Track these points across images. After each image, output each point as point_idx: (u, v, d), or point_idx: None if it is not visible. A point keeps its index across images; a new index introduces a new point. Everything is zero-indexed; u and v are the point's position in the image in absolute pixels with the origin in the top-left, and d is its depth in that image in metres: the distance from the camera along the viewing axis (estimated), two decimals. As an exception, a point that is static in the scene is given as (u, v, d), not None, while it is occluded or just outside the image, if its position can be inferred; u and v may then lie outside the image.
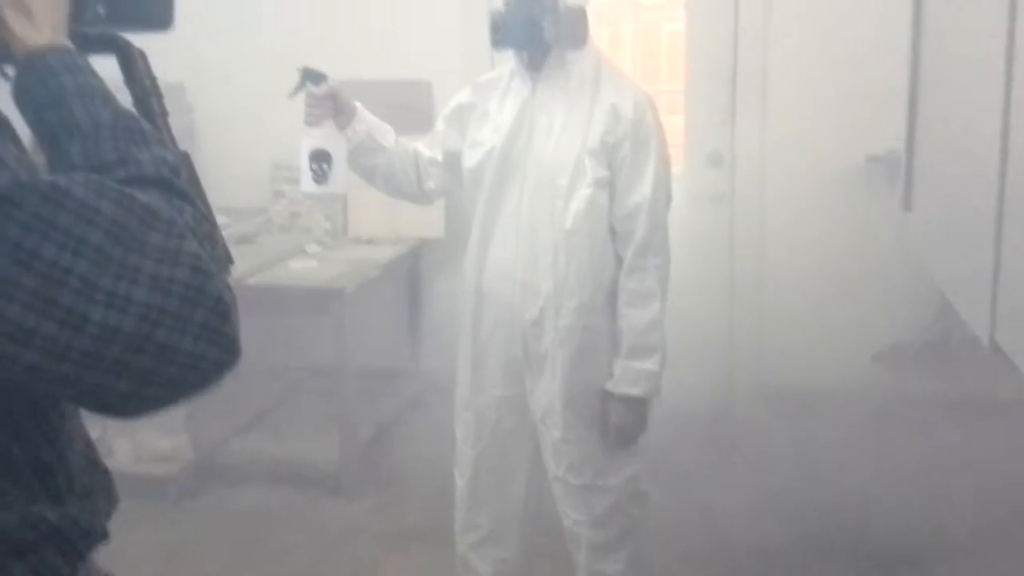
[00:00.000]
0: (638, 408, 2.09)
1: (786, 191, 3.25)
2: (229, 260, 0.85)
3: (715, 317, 3.29)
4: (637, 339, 2.05)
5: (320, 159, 2.19)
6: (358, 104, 2.23)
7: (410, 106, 3.26)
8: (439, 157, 2.30)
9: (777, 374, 3.31)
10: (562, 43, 2.05)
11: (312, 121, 2.18)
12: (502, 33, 2.07)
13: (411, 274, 3.58)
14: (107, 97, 0.83)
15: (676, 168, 2.54)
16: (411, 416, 3.36)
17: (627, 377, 2.06)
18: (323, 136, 2.20)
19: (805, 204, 3.24)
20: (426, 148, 2.32)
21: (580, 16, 2.05)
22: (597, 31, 2.19)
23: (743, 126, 3.25)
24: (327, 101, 2.16)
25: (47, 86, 0.81)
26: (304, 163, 2.20)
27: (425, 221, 3.35)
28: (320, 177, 2.20)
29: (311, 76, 2.19)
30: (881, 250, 3.13)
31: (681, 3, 3.38)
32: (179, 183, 0.81)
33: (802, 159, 3.23)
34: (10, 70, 0.88)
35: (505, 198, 2.13)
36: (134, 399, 0.74)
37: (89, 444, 0.87)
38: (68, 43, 0.85)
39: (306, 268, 3.17)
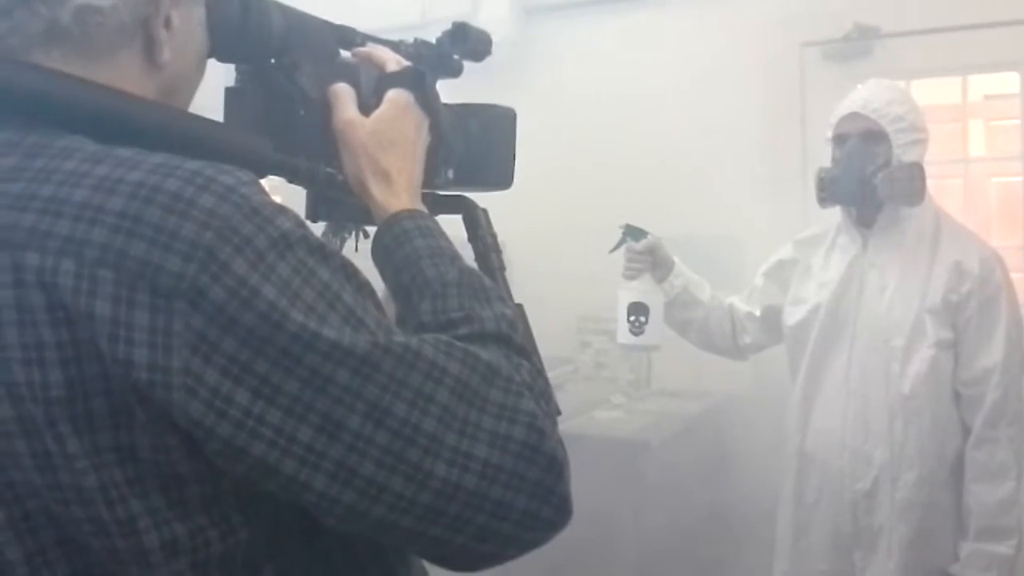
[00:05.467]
0: (989, 597, 1.85)
1: None
2: (557, 411, 0.84)
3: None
4: (989, 519, 1.83)
5: (638, 312, 2.23)
6: (675, 259, 2.26)
7: (717, 261, 3.27)
8: (757, 312, 2.25)
9: None
10: (896, 200, 1.96)
11: (631, 275, 2.24)
12: (830, 191, 2.02)
13: (716, 430, 3.48)
14: (455, 258, 0.87)
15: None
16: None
17: (976, 562, 1.84)
18: (641, 290, 2.24)
19: None
20: (742, 303, 2.29)
21: (916, 172, 1.95)
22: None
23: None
24: (646, 256, 2.21)
25: (403, 248, 0.86)
26: (622, 315, 2.25)
27: (731, 375, 3.26)
28: (637, 329, 2.23)
29: (632, 232, 2.27)
30: None
31: (1014, 155, 3.16)
32: (517, 338, 0.83)
33: None
34: (370, 229, 0.96)
35: (831, 357, 2.03)
36: (470, 554, 0.74)
37: None
38: (422, 207, 0.91)
39: (611, 419, 3.19)
